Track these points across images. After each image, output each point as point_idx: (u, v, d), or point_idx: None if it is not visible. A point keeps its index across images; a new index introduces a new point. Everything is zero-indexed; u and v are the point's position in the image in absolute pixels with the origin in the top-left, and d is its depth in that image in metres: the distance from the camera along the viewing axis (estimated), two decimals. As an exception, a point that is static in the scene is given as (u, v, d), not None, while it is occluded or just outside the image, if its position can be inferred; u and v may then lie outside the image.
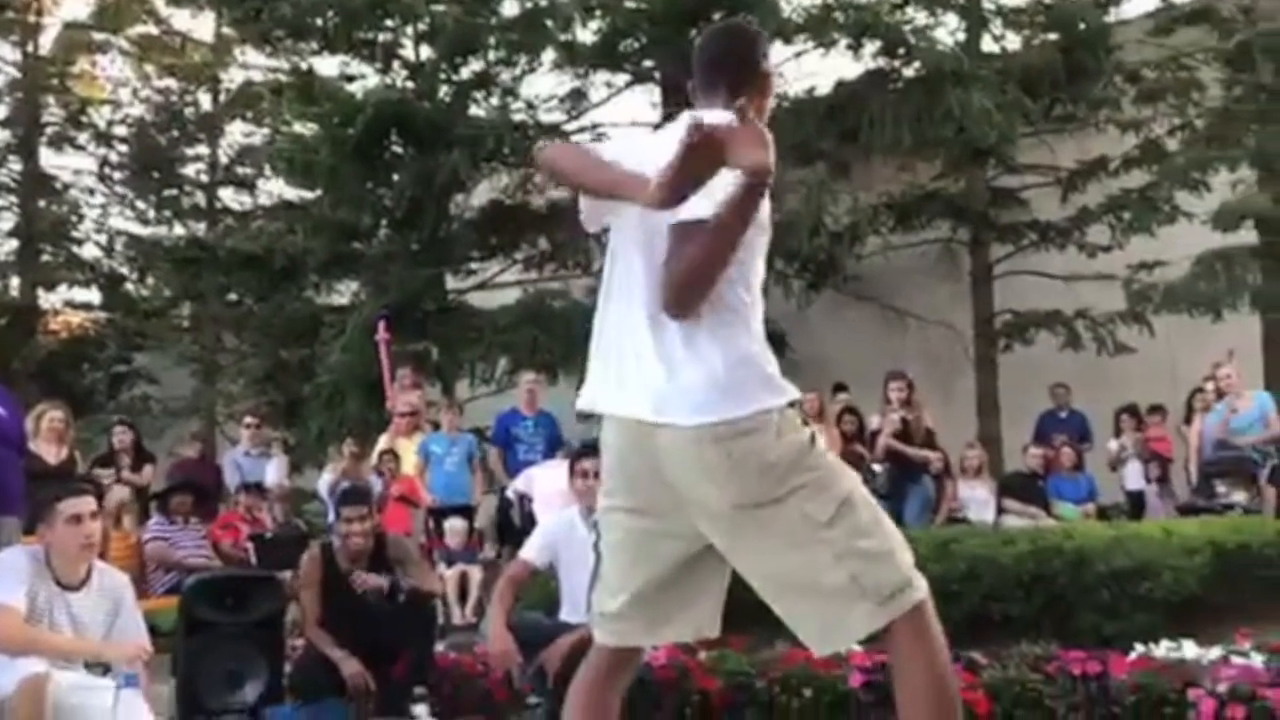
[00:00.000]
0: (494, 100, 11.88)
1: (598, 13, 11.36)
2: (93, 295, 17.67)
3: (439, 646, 5.77)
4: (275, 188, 15.91)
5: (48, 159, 17.50)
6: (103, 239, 17.49)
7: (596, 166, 2.28)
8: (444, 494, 8.17)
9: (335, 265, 12.09)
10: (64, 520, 3.97)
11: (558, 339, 10.50)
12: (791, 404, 2.27)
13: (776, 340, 2.35)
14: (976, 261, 11.87)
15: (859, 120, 10.79)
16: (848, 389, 9.93)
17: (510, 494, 8.06)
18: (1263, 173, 10.53)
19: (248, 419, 9.81)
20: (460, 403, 9.62)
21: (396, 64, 11.96)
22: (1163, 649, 5.02)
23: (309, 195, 12.98)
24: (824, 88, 11.50)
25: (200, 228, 16.46)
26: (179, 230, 16.56)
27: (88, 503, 4.08)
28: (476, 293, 12.27)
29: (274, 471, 9.07)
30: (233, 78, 17.13)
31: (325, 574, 5.32)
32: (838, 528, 2.23)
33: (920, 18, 11.44)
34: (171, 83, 17.37)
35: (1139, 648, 5.05)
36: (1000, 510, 8.50)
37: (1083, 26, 11.17)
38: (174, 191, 17.27)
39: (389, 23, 11.75)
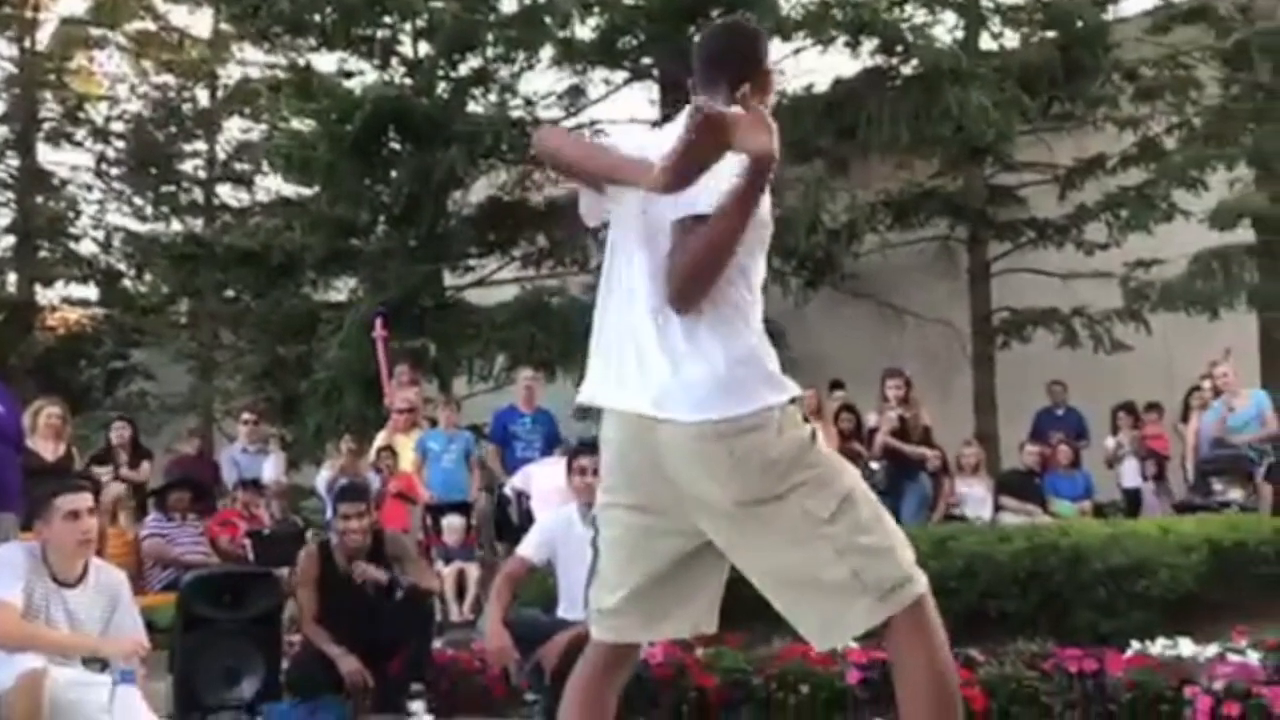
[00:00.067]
0: (492, 97, 11.87)
1: (596, 9, 11.35)
2: (90, 291, 17.67)
3: (436, 643, 5.77)
4: (273, 184, 15.92)
5: (45, 155, 17.49)
6: (100, 235, 17.48)
7: (600, 151, 2.28)
8: (441, 491, 8.17)
9: (333, 262, 12.08)
10: (61, 516, 3.97)
11: (555, 336, 10.51)
12: (792, 400, 2.27)
13: (774, 338, 2.35)
14: (974, 259, 11.88)
15: (857, 118, 10.80)
16: (844, 386, 9.94)
17: (508, 491, 8.06)
18: (1260, 171, 10.55)
19: (245, 415, 9.80)
20: (458, 400, 9.62)
21: (395, 60, 11.95)
22: (1159, 646, 5.02)
23: (307, 191, 12.98)
24: (822, 85, 11.51)
25: (198, 224, 16.45)
26: (176, 226, 16.56)
27: (85, 499, 4.08)
28: (474, 289, 12.27)
29: (271, 468, 9.07)
30: (230, 74, 17.12)
31: (323, 570, 5.32)
32: (839, 524, 2.23)
33: (918, 15, 11.46)
34: (169, 79, 17.33)
35: (1135, 645, 5.05)
36: (997, 508, 8.51)
37: (1081, 24, 11.19)
38: (171, 188, 17.24)
39: (387, 19, 11.74)
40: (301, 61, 12.49)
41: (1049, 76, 11.07)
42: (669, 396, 2.23)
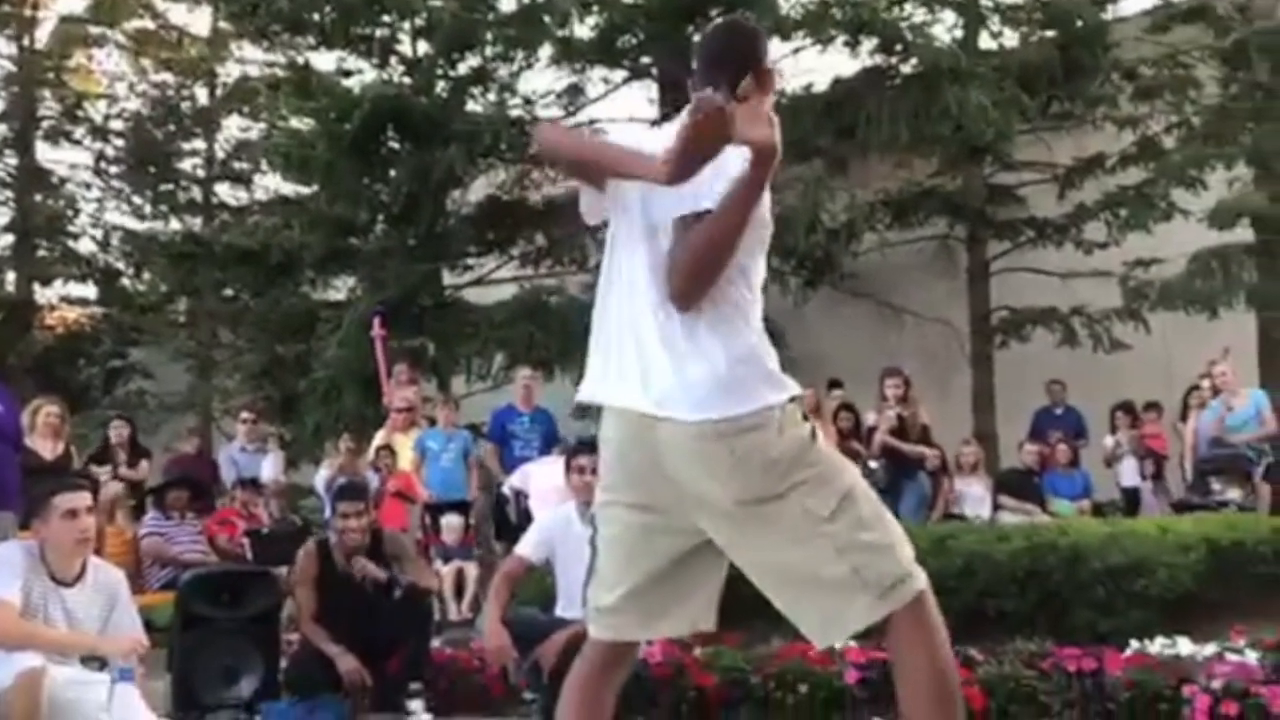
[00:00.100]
0: (491, 96, 11.87)
1: (595, 8, 11.35)
2: (89, 290, 17.68)
3: (435, 642, 5.77)
4: (272, 183, 15.92)
5: (44, 153, 17.48)
6: (99, 234, 17.49)
7: (601, 145, 2.28)
8: (440, 490, 8.17)
9: (332, 260, 12.08)
10: (59, 515, 3.97)
11: (554, 335, 10.51)
12: (792, 399, 2.27)
13: (773, 337, 2.35)
14: (973, 258, 11.88)
15: (856, 117, 10.80)
16: (843, 385, 9.94)
17: (506, 490, 8.06)
18: (1259, 171, 10.55)
19: (244, 414, 9.80)
20: (456, 399, 9.61)
21: (394, 59, 11.95)
22: (1158, 645, 5.02)
23: (305, 190, 12.97)
24: (821, 84, 11.50)
25: (196, 223, 16.45)
26: (175, 225, 16.56)
27: (83, 498, 4.08)
28: (473, 289, 12.27)
29: (270, 467, 9.06)
30: (229, 72, 17.12)
31: (321, 569, 5.32)
32: (839, 522, 2.23)
33: (918, 15, 11.45)
34: (168, 77, 17.33)
35: (1134, 644, 5.05)
36: (996, 507, 8.52)
37: (1080, 24, 11.19)
38: (170, 186, 17.23)
39: (386, 18, 11.74)
40: (300, 60, 12.48)
41: (1048, 76, 11.07)
42: (669, 395, 2.23)
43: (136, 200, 17.35)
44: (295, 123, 12.13)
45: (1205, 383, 8.85)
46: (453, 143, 10.83)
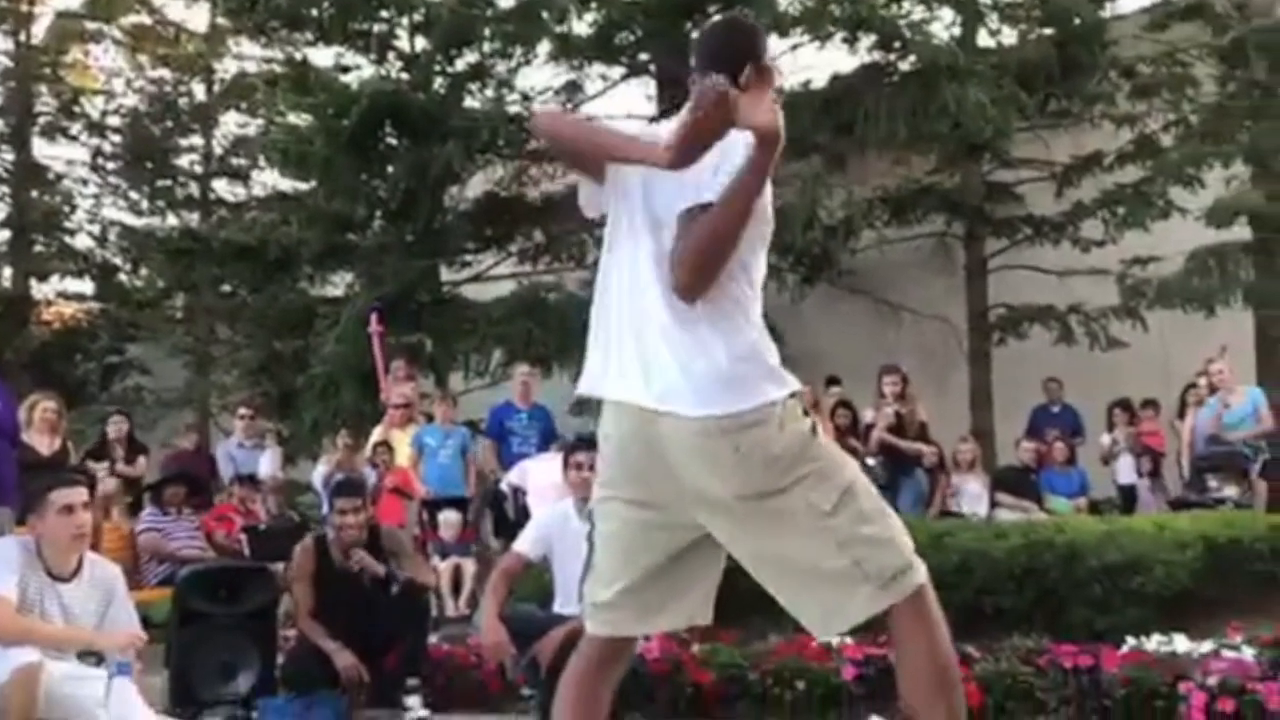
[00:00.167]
0: (489, 92, 11.84)
1: (593, 5, 11.34)
2: (86, 286, 17.65)
3: (432, 638, 5.76)
4: (269, 179, 15.89)
5: (40, 149, 17.45)
6: (96, 229, 17.45)
7: (602, 130, 2.27)
8: (438, 486, 8.17)
9: (329, 256, 12.06)
10: (56, 511, 3.97)
11: (552, 332, 10.50)
12: (793, 395, 2.28)
13: (771, 334, 2.35)
14: (971, 256, 11.89)
15: (854, 114, 10.79)
16: (841, 382, 9.95)
17: (504, 487, 8.06)
18: (1256, 169, 10.56)
19: (242, 410, 9.80)
20: (454, 395, 9.61)
21: (391, 55, 11.93)
22: (1154, 643, 5.02)
23: (303, 186, 12.95)
24: (819, 81, 11.50)
25: (194, 219, 16.41)
26: (172, 221, 16.50)
27: (79, 493, 4.08)
28: (471, 285, 12.26)
29: (268, 463, 9.06)
30: (227, 68, 17.09)
31: (319, 565, 5.32)
32: (841, 515, 2.24)
33: (916, 12, 11.43)
34: (165, 73, 17.29)
35: (1130, 641, 5.06)
36: (993, 504, 8.53)
37: (1078, 21, 11.19)
38: (167, 182, 17.21)
39: (384, 14, 11.72)
40: (298, 56, 12.45)
41: (1046, 73, 11.07)
42: (672, 390, 2.22)
43: (134, 196, 17.32)
44: (293, 118, 12.10)
45: (1202, 380, 8.86)
46: (451, 139, 10.81)
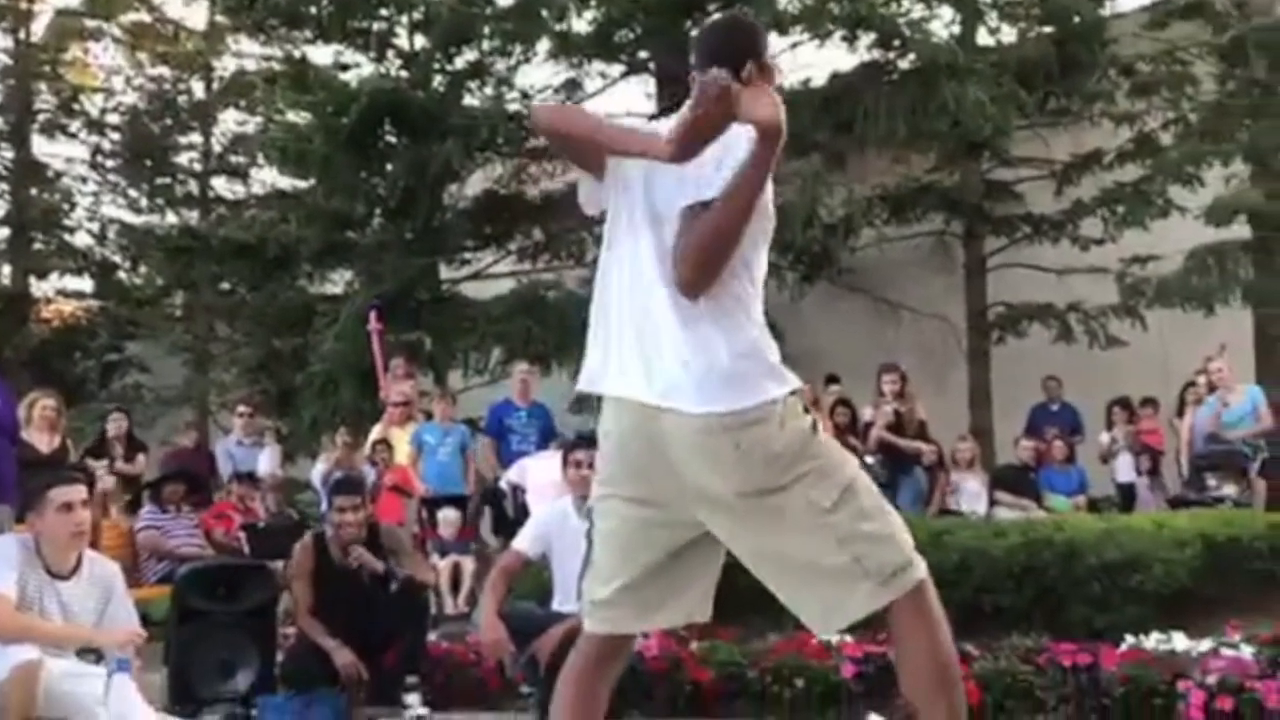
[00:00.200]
0: (488, 90, 11.84)
1: (593, 3, 11.33)
2: (85, 284, 17.62)
3: (431, 636, 5.77)
4: (268, 176, 15.85)
5: (40, 146, 17.43)
6: (95, 227, 17.43)
7: (603, 123, 2.27)
8: (437, 484, 8.17)
9: (328, 254, 12.06)
10: (55, 508, 3.97)
11: (551, 330, 10.50)
12: (793, 392, 2.28)
13: (770, 332, 2.35)
14: (970, 254, 11.89)
15: (854, 112, 10.79)
16: (840, 381, 9.95)
17: (503, 485, 8.06)
18: (1256, 167, 10.56)
19: (241, 408, 9.79)
20: (453, 393, 9.61)
21: (391, 53, 11.92)
22: (1153, 641, 5.03)
23: (302, 184, 12.94)
24: (819, 79, 11.49)
25: (193, 216, 16.40)
26: (171, 219, 16.49)
27: (78, 491, 4.08)
28: (470, 283, 12.25)
29: (267, 461, 9.06)
30: (226, 66, 17.06)
31: (318, 563, 5.32)
32: (841, 512, 2.24)
33: (915, 10, 11.43)
34: (164, 70, 17.27)
35: (1129, 639, 5.06)
36: (992, 502, 8.53)
37: (1077, 20, 11.19)
38: (167, 180, 17.19)
39: (383, 11, 11.72)
40: (297, 54, 12.44)
41: (1045, 72, 11.07)
42: (673, 387, 2.22)
43: (133, 194, 17.30)
44: (292, 116, 12.09)
45: (1201, 379, 8.87)
46: (450, 137, 10.81)
